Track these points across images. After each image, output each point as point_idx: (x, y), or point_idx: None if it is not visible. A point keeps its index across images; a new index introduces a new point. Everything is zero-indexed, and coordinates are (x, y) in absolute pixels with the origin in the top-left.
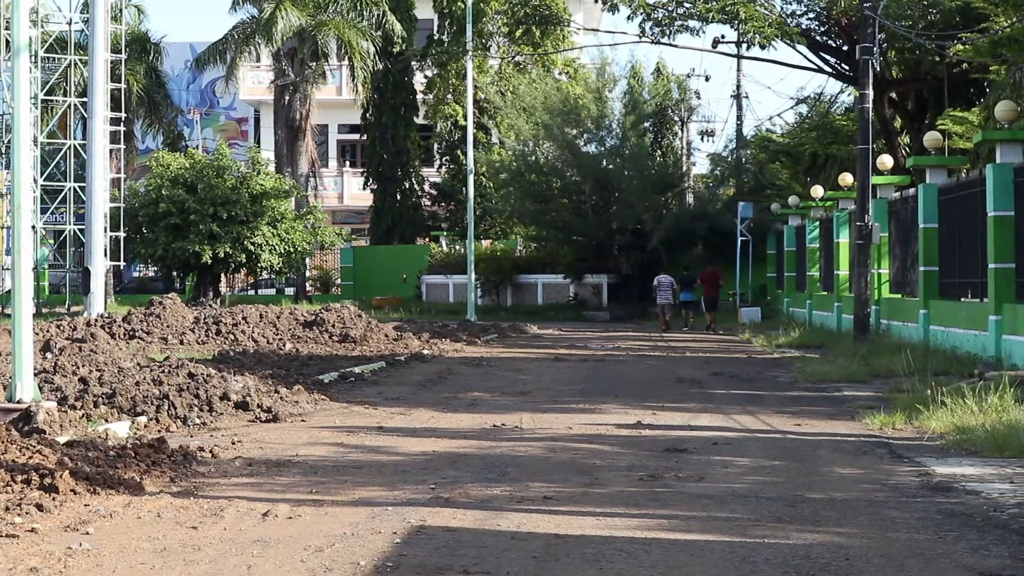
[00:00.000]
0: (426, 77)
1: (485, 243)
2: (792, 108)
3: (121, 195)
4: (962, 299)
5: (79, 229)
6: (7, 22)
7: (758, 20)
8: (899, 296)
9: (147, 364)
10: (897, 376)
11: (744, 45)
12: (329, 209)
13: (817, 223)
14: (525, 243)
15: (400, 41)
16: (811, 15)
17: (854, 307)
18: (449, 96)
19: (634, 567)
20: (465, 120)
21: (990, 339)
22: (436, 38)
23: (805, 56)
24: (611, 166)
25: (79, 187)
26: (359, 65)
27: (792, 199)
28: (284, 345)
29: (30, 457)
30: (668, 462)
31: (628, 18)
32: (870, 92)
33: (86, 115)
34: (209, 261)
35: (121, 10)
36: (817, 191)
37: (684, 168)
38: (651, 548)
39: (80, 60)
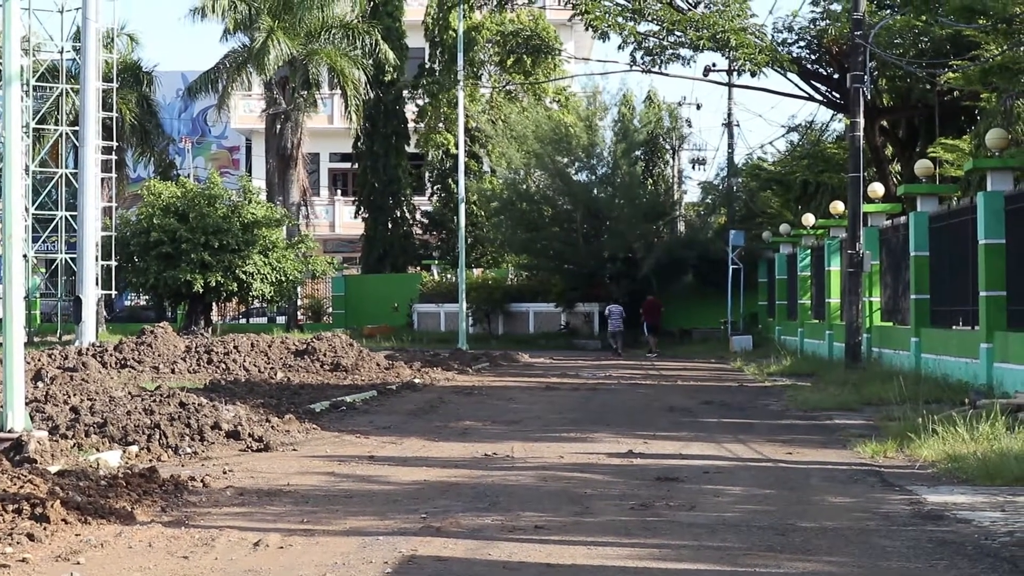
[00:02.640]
0: (417, 106)
1: (476, 272)
2: (783, 136)
3: (113, 224)
4: (953, 327)
5: (70, 258)
6: None
7: (749, 48)
8: (890, 324)
9: (138, 393)
10: (888, 404)
11: (735, 73)
12: (320, 238)
13: (808, 251)
14: (516, 272)
15: (392, 70)
16: (802, 43)
17: (845, 335)
18: (440, 125)
19: None
20: (456, 149)
21: (981, 367)
22: (428, 67)
23: (796, 84)
24: (602, 194)
25: (71, 216)
26: (351, 94)
27: (783, 227)
28: (275, 374)
29: (21, 487)
30: (659, 491)
31: (619, 47)
32: (861, 120)
33: (78, 144)
34: (200, 290)
35: (113, 39)
36: (808, 219)
37: (675, 196)
38: None
39: (72, 89)
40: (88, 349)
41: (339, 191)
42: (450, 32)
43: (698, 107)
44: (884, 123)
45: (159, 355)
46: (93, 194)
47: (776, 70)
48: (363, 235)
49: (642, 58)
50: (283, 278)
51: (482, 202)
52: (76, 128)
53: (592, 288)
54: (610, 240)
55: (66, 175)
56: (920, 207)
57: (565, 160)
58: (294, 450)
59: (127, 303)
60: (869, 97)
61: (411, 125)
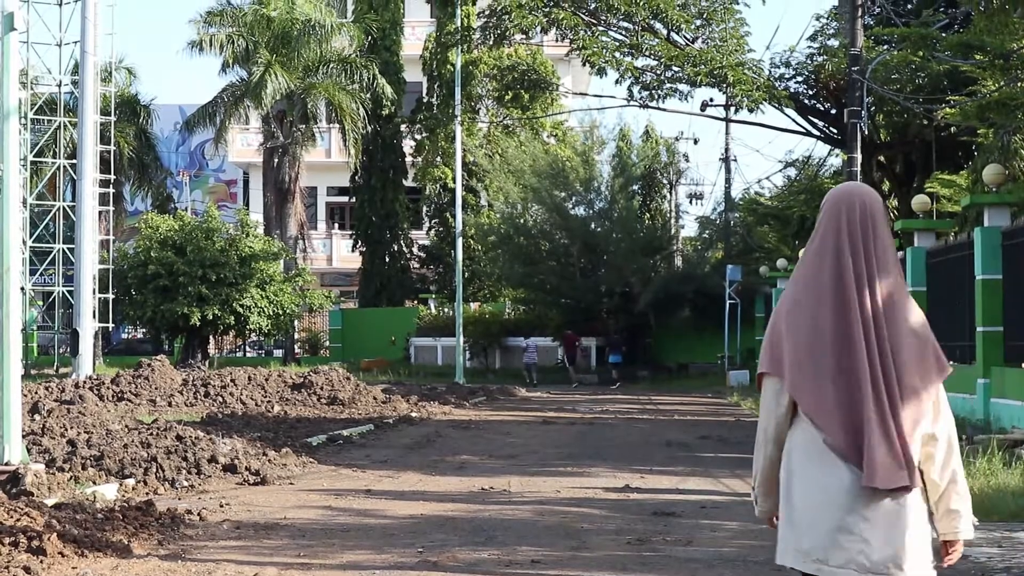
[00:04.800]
0: (415, 140)
1: (474, 306)
2: (780, 171)
3: (110, 257)
4: (950, 362)
5: (68, 291)
6: None
7: (746, 84)
8: None
9: (135, 426)
10: None
11: (732, 108)
12: (318, 271)
13: None
14: (513, 306)
15: (390, 104)
16: (799, 79)
17: None
18: (438, 159)
19: None
20: (454, 183)
21: (978, 402)
22: (425, 101)
23: (793, 119)
24: (599, 229)
25: (68, 249)
26: (349, 128)
27: (780, 262)
28: (272, 407)
29: (18, 519)
30: (656, 526)
31: (616, 82)
32: (858, 155)
33: (75, 177)
34: (197, 323)
35: (111, 72)
36: None
37: (672, 231)
38: None
39: (70, 122)
40: (85, 382)
41: (337, 225)
42: (448, 66)
43: (695, 142)
44: (881, 158)
45: (156, 388)
46: (90, 227)
47: (773, 105)
48: (360, 269)
49: (639, 93)
50: (280, 311)
51: (479, 236)
52: (74, 161)
53: (589, 322)
54: (607, 274)
55: (64, 208)
56: (917, 242)
57: (562, 194)
58: (291, 484)
59: (124, 336)
60: (866, 132)
61: (409, 159)
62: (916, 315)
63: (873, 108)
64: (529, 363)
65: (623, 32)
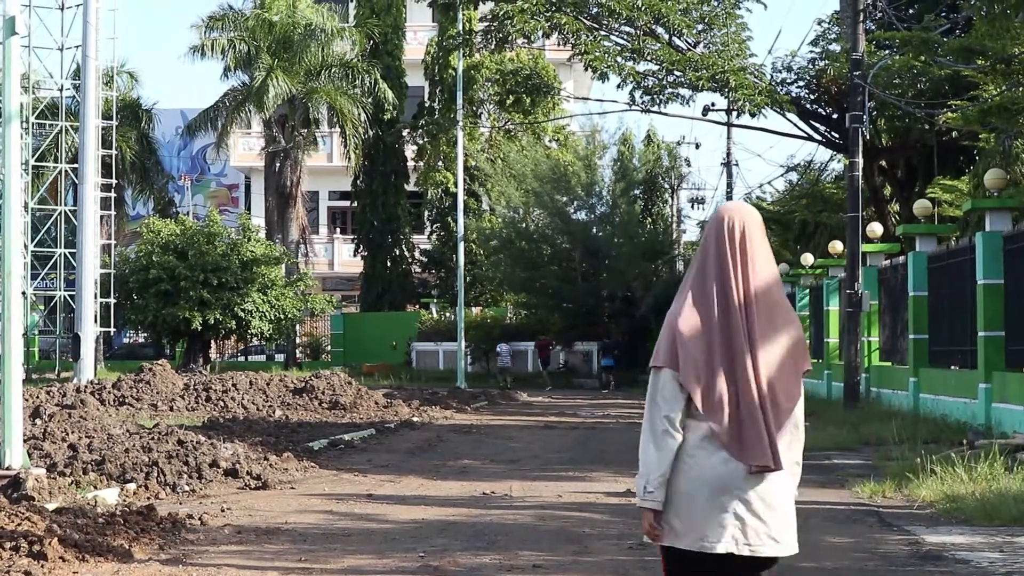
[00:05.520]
0: (417, 144)
1: (475, 310)
2: (782, 176)
3: (111, 261)
4: (951, 367)
5: (69, 295)
6: None
7: (748, 88)
8: (889, 364)
9: (136, 431)
10: (887, 444)
11: (734, 113)
12: (319, 276)
13: (807, 291)
14: (515, 310)
15: (391, 108)
16: (801, 83)
17: (844, 375)
18: (440, 163)
19: None
20: (455, 187)
21: (980, 407)
22: (427, 106)
23: (795, 124)
24: (601, 233)
25: (69, 253)
26: (351, 132)
27: (782, 267)
28: (274, 412)
29: (19, 524)
30: None
31: (618, 87)
32: (860, 160)
33: (77, 181)
34: (199, 327)
35: (113, 76)
36: (807, 259)
37: (674, 235)
38: None
39: (71, 126)
40: (86, 386)
41: (338, 229)
42: (450, 71)
43: (697, 146)
44: (883, 163)
45: (157, 393)
46: (92, 231)
47: (775, 110)
48: (362, 273)
49: (641, 97)
50: (282, 316)
51: (481, 241)
52: (75, 165)
53: (591, 327)
54: (609, 279)
55: (65, 212)
56: (919, 247)
57: (564, 199)
58: (292, 488)
59: (125, 340)
60: (868, 137)
61: (410, 163)
62: (789, 316)
63: (875, 113)
64: (502, 367)
65: (625, 37)
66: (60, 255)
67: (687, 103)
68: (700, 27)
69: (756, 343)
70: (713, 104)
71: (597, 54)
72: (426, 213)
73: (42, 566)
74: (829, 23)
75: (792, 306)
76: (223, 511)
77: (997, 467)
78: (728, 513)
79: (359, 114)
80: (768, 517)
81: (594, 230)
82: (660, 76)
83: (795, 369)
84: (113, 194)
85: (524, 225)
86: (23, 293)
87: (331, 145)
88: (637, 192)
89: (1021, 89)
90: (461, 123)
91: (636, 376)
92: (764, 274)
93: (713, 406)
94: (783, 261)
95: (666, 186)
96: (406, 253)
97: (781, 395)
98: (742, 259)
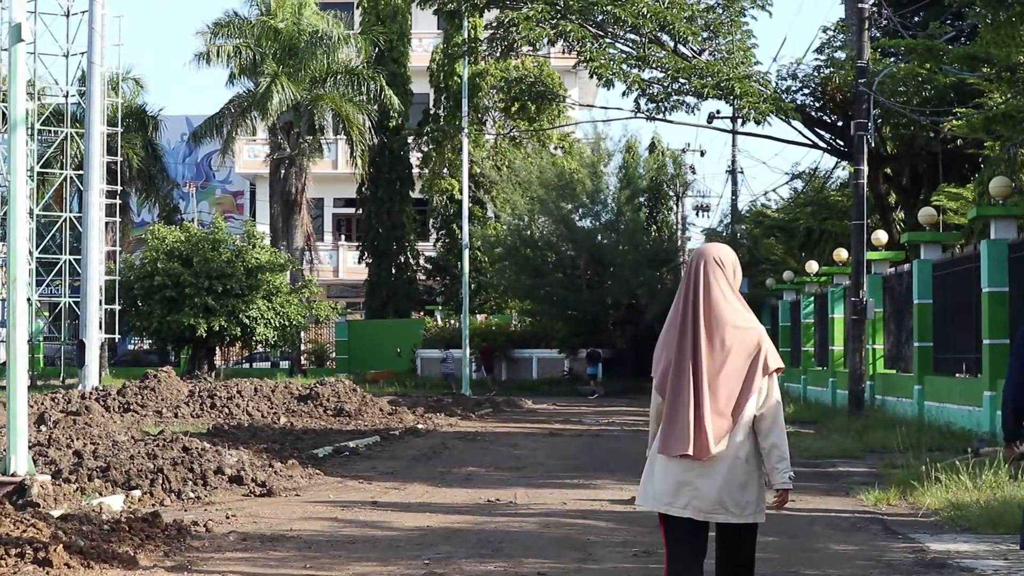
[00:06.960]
0: (422, 151)
1: (480, 317)
2: (787, 183)
3: (116, 268)
4: (956, 375)
5: (74, 302)
6: (3, 95)
7: (753, 96)
8: (894, 371)
9: (141, 438)
10: (892, 452)
11: (739, 121)
12: (324, 283)
13: (812, 298)
14: (520, 318)
15: (396, 115)
16: (806, 91)
17: (849, 382)
18: (445, 170)
19: None
20: (460, 194)
21: (985, 415)
22: (432, 113)
23: (800, 132)
24: (606, 241)
25: (75, 260)
26: (356, 139)
27: (787, 274)
28: (279, 419)
29: (24, 530)
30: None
31: (623, 94)
32: (865, 168)
33: (82, 188)
34: (204, 334)
35: (119, 83)
36: (812, 266)
37: (679, 243)
38: None
39: (77, 133)
40: (91, 393)
41: (343, 236)
42: (455, 78)
43: (702, 154)
44: (888, 171)
45: (162, 399)
46: (97, 238)
47: (780, 118)
48: (367, 280)
49: (646, 105)
50: (287, 323)
51: (486, 248)
52: (81, 172)
53: (595, 334)
54: (613, 286)
55: (70, 219)
56: (923, 255)
57: (569, 206)
58: (297, 495)
59: (130, 347)
60: (873, 145)
61: (415, 170)
62: (739, 333)
63: (880, 120)
64: (446, 373)
65: (630, 44)
66: (65, 261)
67: (692, 111)
68: (705, 35)
69: (700, 356)
70: (718, 112)
71: (602, 61)
72: (431, 220)
73: (47, 573)
74: (834, 31)
75: (797, 314)
76: (228, 518)
77: (1002, 475)
78: (686, 485)
79: (364, 121)
80: (721, 489)
81: (599, 237)
82: (665, 83)
83: (740, 374)
84: (118, 201)
85: (529, 232)
86: (28, 299)
87: (336, 152)
88: (642, 199)
89: None
90: (466, 130)
91: (641, 384)
92: (716, 298)
93: (668, 407)
94: (788, 269)
95: (671, 193)
96: (411, 260)
97: (722, 396)
98: (695, 287)
